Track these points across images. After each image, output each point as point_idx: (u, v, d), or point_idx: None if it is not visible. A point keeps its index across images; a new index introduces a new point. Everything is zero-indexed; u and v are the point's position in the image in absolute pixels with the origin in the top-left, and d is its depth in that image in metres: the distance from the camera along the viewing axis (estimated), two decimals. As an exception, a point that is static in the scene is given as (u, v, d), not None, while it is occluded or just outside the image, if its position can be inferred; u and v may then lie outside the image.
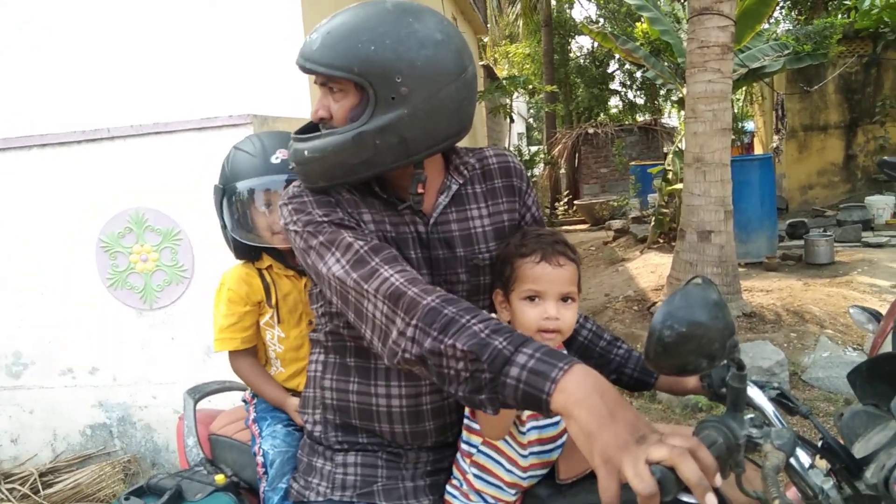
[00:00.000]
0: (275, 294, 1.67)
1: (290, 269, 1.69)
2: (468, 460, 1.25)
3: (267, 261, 1.70)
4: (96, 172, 3.24)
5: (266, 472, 1.43)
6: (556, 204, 14.49)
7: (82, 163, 3.25)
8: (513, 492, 1.25)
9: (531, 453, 1.22)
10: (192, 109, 3.42)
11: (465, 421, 1.26)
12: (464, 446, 1.27)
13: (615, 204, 11.86)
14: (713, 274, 5.10)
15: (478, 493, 1.24)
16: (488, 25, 15.80)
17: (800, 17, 12.14)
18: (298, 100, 3.60)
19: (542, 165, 15.40)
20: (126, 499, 1.31)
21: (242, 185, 1.65)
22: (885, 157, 1.86)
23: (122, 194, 3.22)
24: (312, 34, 1.19)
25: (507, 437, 1.22)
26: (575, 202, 14.24)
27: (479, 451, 1.25)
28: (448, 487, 1.29)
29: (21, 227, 3.33)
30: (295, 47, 1.22)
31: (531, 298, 1.21)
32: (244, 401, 1.69)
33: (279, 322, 1.67)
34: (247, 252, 1.69)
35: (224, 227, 1.70)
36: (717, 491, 0.73)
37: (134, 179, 3.21)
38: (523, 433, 1.21)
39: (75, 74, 3.90)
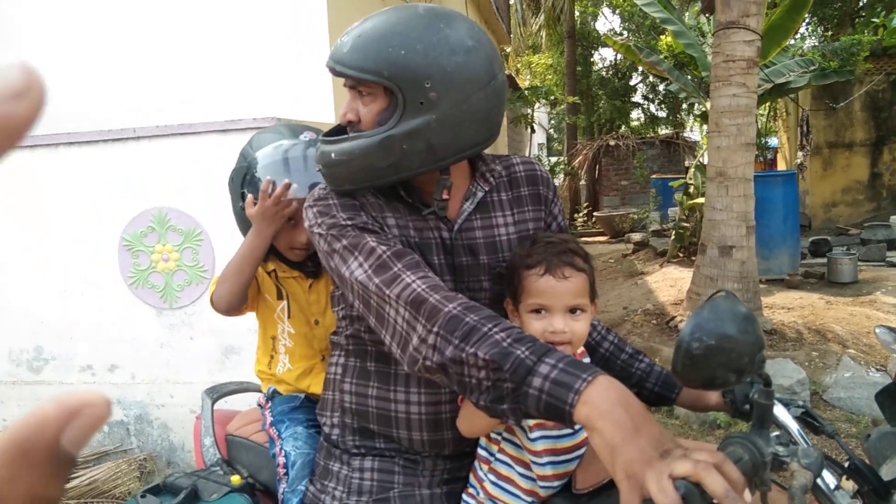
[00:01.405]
0: (285, 290, 1.66)
1: (296, 271, 1.66)
2: (486, 467, 1.24)
3: (271, 265, 1.67)
4: (121, 172, 3.28)
5: (287, 474, 1.43)
6: (576, 215, 14.44)
7: (108, 162, 3.29)
8: (529, 500, 1.23)
9: (548, 462, 1.21)
10: (217, 111, 3.46)
11: None
12: (482, 453, 1.26)
13: (635, 216, 11.79)
14: (734, 289, 5.04)
15: (494, 501, 1.23)
16: (511, 35, 15.81)
17: (826, 34, 12.04)
18: (322, 104, 3.62)
19: (562, 176, 15.37)
20: (142, 496, 1.31)
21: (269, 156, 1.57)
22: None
23: (145, 194, 3.25)
24: (343, 37, 1.19)
25: (519, 444, 1.21)
26: (594, 214, 14.18)
27: (496, 458, 1.23)
28: (464, 496, 1.27)
29: (45, 224, 3.37)
30: (320, 51, 1.23)
31: (537, 311, 1.20)
32: (259, 404, 1.68)
33: (289, 317, 1.67)
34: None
35: (240, 214, 1.62)
36: None
37: (158, 179, 3.25)
38: (532, 440, 1.19)
39: (104, 75, 3.95)
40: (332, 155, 1.20)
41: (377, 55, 1.13)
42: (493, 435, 1.24)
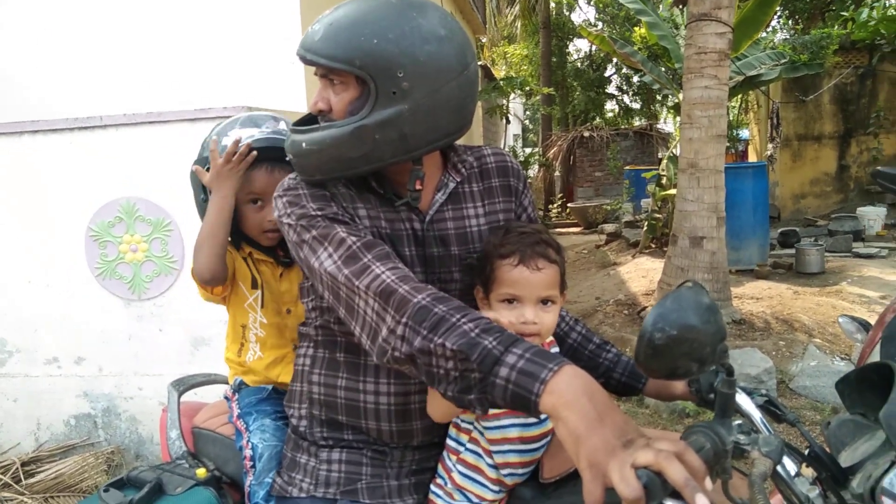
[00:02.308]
0: (260, 279, 1.65)
1: (269, 257, 1.66)
2: (454, 457, 1.24)
3: (247, 248, 1.66)
4: (88, 160, 3.21)
5: (254, 466, 1.42)
6: (550, 206, 14.51)
7: (74, 150, 3.22)
8: (496, 489, 1.24)
9: (510, 450, 1.22)
10: (187, 100, 3.40)
11: (454, 419, 1.25)
12: (451, 443, 1.26)
13: (608, 208, 11.89)
14: (704, 280, 5.11)
15: (462, 491, 1.23)
16: (486, 26, 15.78)
17: (797, 27, 12.20)
18: (295, 92, 3.58)
19: (536, 167, 15.43)
20: (105, 491, 1.29)
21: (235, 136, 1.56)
22: (880, 168, 1.86)
23: (113, 183, 3.19)
24: (314, 25, 1.17)
25: (482, 432, 1.22)
26: (568, 205, 14.27)
27: (466, 448, 1.24)
28: (432, 487, 1.28)
29: (9, 214, 3.30)
30: (291, 39, 1.21)
31: (509, 301, 1.20)
32: (226, 397, 1.67)
33: (262, 307, 1.65)
34: (233, 240, 1.66)
35: (201, 206, 1.62)
36: None
37: (126, 169, 3.19)
38: (490, 429, 1.20)
39: (69, 61, 3.87)
40: (303, 144, 1.19)
41: (349, 44, 1.12)
42: (463, 425, 1.24)
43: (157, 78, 3.80)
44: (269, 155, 1.57)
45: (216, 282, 1.60)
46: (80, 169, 3.22)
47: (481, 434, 1.22)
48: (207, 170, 1.59)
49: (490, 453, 1.22)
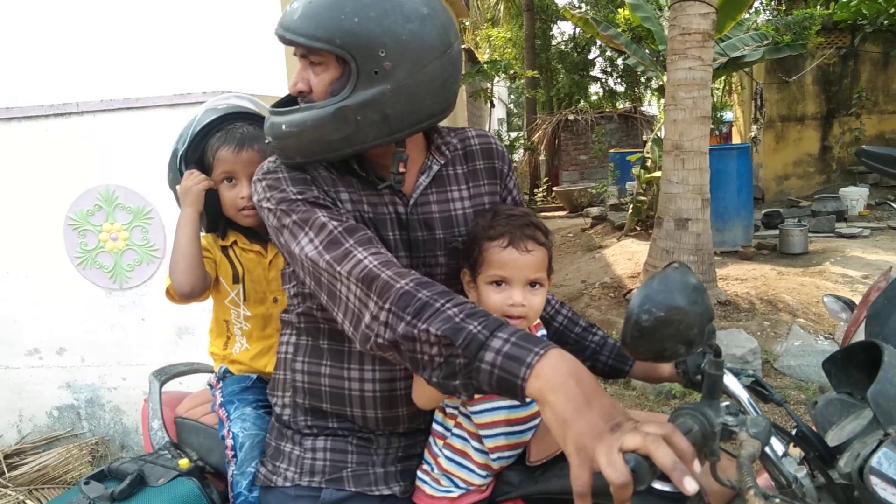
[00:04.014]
0: (241, 270, 1.63)
1: (256, 245, 1.65)
2: (441, 442, 1.23)
3: (231, 237, 1.65)
4: (65, 148, 3.15)
5: (235, 456, 1.40)
6: (536, 190, 14.50)
7: (50, 138, 3.16)
8: (484, 474, 1.23)
9: (500, 433, 1.21)
10: (166, 85, 3.34)
11: (440, 404, 1.24)
12: (437, 428, 1.25)
13: (594, 191, 11.89)
14: (689, 262, 5.13)
15: (448, 476, 1.22)
16: (470, 9, 15.66)
17: (780, 8, 12.20)
18: (275, 75, 3.53)
19: (521, 151, 15.40)
20: (86, 483, 1.27)
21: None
22: (864, 147, 1.85)
23: (91, 171, 3.14)
24: (293, 3, 1.14)
25: (468, 417, 1.21)
26: (554, 189, 14.26)
27: (453, 433, 1.23)
28: (419, 473, 1.27)
29: (-14, 202, 3.24)
30: (271, 21, 1.17)
31: (497, 283, 1.18)
32: (210, 385, 1.65)
33: (245, 300, 1.63)
34: (213, 223, 1.64)
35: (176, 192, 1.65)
36: None
37: (104, 156, 3.13)
38: (477, 413, 1.19)
39: (44, 46, 3.79)
40: (283, 126, 1.16)
41: (329, 23, 1.08)
42: (449, 410, 1.23)
43: (134, 62, 3.72)
44: (225, 126, 1.62)
45: (196, 294, 1.60)
46: (57, 157, 3.16)
47: (467, 419, 1.21)
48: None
49: (478, 437, 1.21)
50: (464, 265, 1.24)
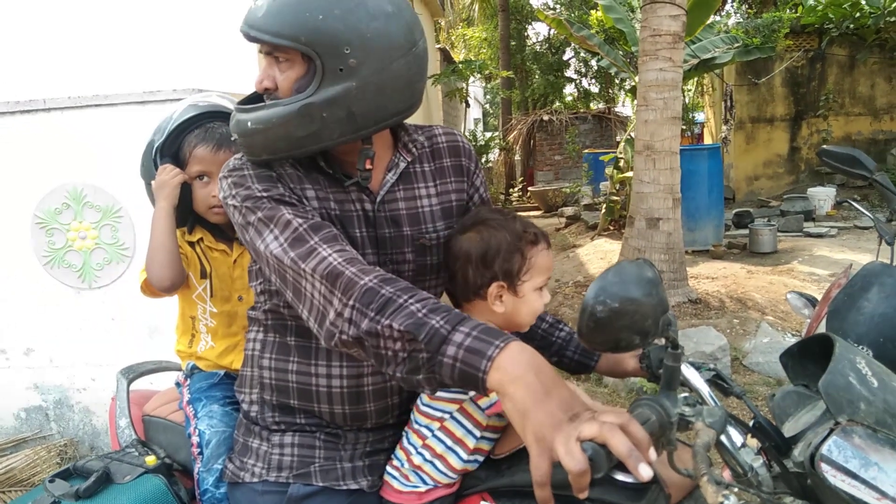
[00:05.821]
0: (209, 267, 1.62)
1: (222, 244, 1.66)
2: (420, 442, 1.22)
3: (198, 233, 1.65)
4: (32, 145, 3.10)
5: (201, 453, 1.40)
6: (511, 190, 14.55)
7: (16, 135, 3.10)
8: (455, 476, 1.23)
9: (483, 437, 1.21)
10: (135, 82, 3.30)
11: (419, 404, 1.23)
12: (420, 428, 1.23)
13: (568, 191, 11.96)
14: (660, 261, 5.19)
15: (417, 472, 1.22)
16: (445, 9, 15.67)
17: (749, 11, 12.40)
18: (246, 73, 3.50)
19: (497, 151, 15.43)
20: (51, 482, 1.26)
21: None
22: (826, 147, 1.90)
23: (59, 169, 3.09)
24: (258, 0, 1.14)
25: (464, 418, 1.20)
26: (529, 189, 14.32)
27: (434, 435, 1.22)
28: (388, 468, 1.27)
29: (-50, 201, 3.17)
30: (241, 19, 1.17)
31: (539, 288, 1.20)
32: (177, 383, 1.64)
33: (211, 296, 1.63)
34: (182, 218, 1.64)
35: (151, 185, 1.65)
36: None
37: (72, 153, 3.09)
38: (482, 409, 1.18)
39: (9, 41, 3.72)
40: (249, 124, 1.16)
41: (294, 20, 1.09)
42: (436, 413, 1.22)
43: (103, 59, 3.68)
44: (204, 123, 1.63)
45: (176, 286, 1.61)
46: (24, 154, 3.11)
47: (457, 424, 1.20)
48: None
49: (463, 444, 1.20)
50: (486, 280, 1.20)
